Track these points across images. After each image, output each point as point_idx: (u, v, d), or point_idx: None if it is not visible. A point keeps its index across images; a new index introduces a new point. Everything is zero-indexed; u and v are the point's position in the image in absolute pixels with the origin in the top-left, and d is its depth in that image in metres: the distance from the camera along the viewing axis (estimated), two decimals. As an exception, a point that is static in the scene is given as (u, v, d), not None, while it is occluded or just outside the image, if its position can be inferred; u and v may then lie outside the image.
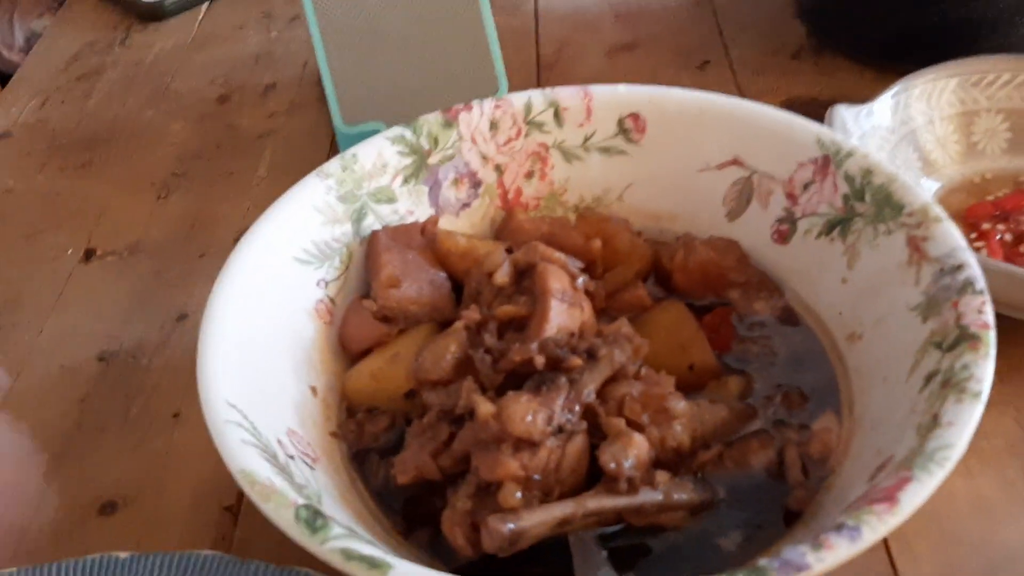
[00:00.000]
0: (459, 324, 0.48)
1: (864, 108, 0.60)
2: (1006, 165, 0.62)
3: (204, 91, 0.80)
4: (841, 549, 0.34)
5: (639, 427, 0.44)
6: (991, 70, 0.63)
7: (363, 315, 0.51)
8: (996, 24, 0.70)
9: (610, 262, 0.54)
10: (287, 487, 0.39)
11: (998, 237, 0.57)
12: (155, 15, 0.89)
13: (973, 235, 0.58)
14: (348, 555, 0.36)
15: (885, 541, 0.47)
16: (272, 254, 0.50)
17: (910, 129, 0.61)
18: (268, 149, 0.73)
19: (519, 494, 0.42)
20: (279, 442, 0.43)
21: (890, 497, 0.36)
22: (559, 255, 0.50)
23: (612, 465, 0.42)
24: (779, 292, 0.53)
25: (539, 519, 0.41)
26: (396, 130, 0.55)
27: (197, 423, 0.54)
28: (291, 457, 0.43)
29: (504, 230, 0.57)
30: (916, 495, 0.36)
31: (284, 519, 0.37)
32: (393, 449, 0.47)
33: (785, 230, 0.54)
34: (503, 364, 0.45)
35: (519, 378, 0.45)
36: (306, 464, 0.44)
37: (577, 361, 0.44)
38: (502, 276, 0.50)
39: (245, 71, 0.82)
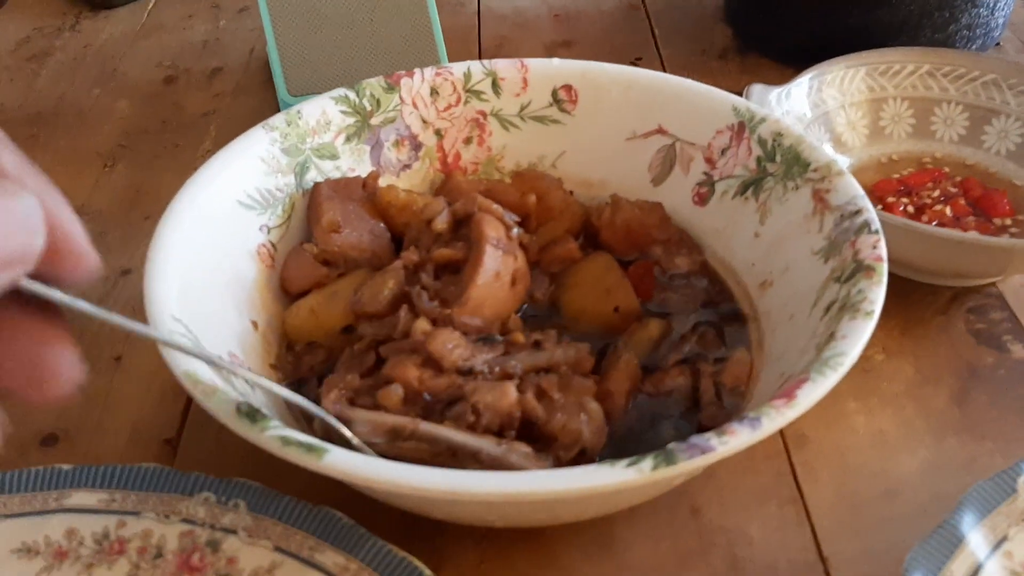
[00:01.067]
0: (398, 263, 0.51)
1: (783, 89, 0.64)
2: (911, 148, 0.67)
3: (151, 73, 0.82)
4: (743, 435, 0.37)
5: (551, 403, 0.45)
6: (897, 61, 0.68)
7: (304, 257, 0.53)
8: (903, 28, 0.76)
9: (543, 218, 0.57)
10: (229, 389, 0.41)
11: (901, 208, 0.62)
12: (105, 4, 0.91)
13: (879, 207, 0.62)
14: (286, 441, 0.38)
15: (792, 469, 0.50)
16: (217, 195, 0.52)
17: (823, 112, 0.66)
18: (213, 126, 0.76)
19: (399, 392, 0.44)
20: (219, 358, 0.45)
21: (788, 394, 0.39)
22: (496, 207, 0.53)
23: (468, 388, 0.44)
24: (698, 249, 0.57)
25: (369, 417, 0.43)
26: (340, 91, 0.58)
27: (138, 366, 0.57)
28: (233, 375, 0.45)
29: (443, 189, 0.59)
30: (811, 393, 0.39)
31: (225, 413, 0.39)
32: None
33: (704, 192, 0.58)
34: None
35: None
36: (246, 383, 0.46)
37: (520, 337, 0.47)
38: (441, 223, 0.52)
39: (192, 56, 0.84)
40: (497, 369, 0.46)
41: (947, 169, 0.65)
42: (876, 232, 0.47)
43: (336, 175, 0.58)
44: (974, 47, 0.78)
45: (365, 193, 0.56)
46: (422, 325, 0.46)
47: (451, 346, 0.45)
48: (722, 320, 0.53)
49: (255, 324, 0.51)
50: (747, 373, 0.49)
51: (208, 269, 0.50)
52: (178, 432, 0.52)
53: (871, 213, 0.49)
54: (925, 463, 0.50)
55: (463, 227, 0.53)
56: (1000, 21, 0.79)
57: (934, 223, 0.61)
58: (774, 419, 0.38)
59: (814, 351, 0.43)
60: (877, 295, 0.44)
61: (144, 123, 0.76)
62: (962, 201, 0.62)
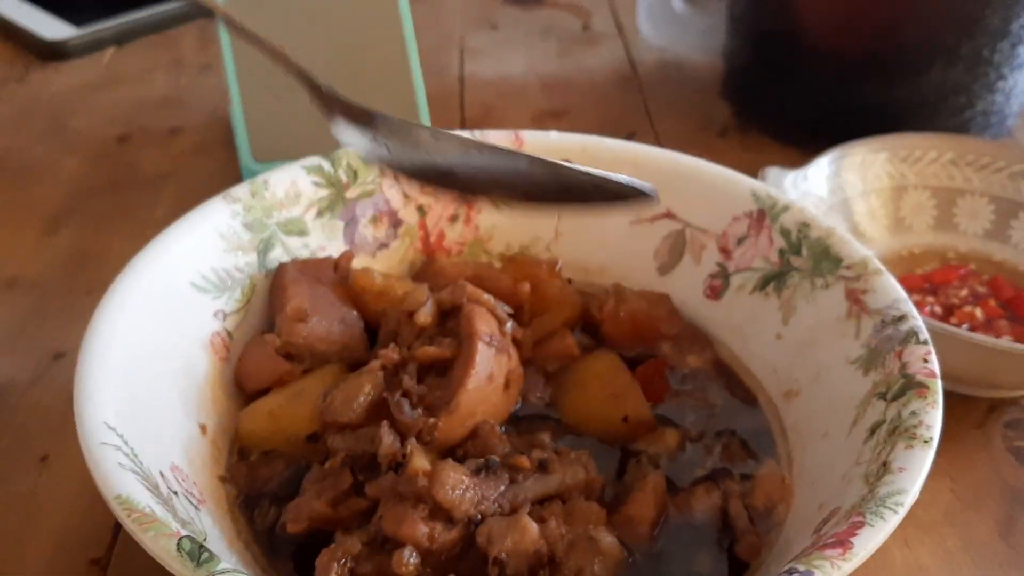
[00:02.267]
0: (375, 363, 0.44)
1: (800, 172, 0.59)
2: (932, 241, 0.62)
3: (104, 130, 0.75)
4: (795, 597, 0.31)
5: (552, 547, 0.38)
6: (918, 147, 0.63)
7: (264, 350, 0.46)
8: (918, 111, 0.71)
9: (538, 309, 0.50)
10: (169, 518, 0.34)
11: (928, 309, 0.56)
12: (57, 54, 0.85)
13: (902, 305, 0.57)
14: (235, 592, 0.30)
15: (824, 612, 0.43)
16: (167, 276, 0.45)
17: (841, 198, 0.61)
18: (169, 189, 0.69)
19: (414, 560, 0.37)
20: (162, 475, 0.38)
21: (843, 542, 0.33)
22: (488, 297, 0.47)
23: (482, 539, 0.38)
24: (710, 345, 0.51)
25: None
26: (313, 159, 0.52)
27: (67, 467, 0.49)
28: (174, 492, 0.38)
29: (425, 273, 0.53)
30: (870, 540, 0.33)
31: (165, 550, 0.32)
32: (288, 496, 0.42)
33: (718, 285, 0.52)
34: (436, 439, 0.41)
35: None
36: (190, 503, 0.38)
37: (526, 463, 0.41)
38: (425, 316, 0.46)
39: (150, 113, 0.78)
40: (507, 505, 0.39)
41: (973, 266, 0.60)
42: (926, 343, 0.42)
43: (304, 254, 0.51)
44: (987, 134, 0.74)
45: (337, 276, 0.50)
46: (420, 464, 0.38)
47: (461, 491, 0.38)
48: (745, 428, 0.47)
49: (203, 428, 0.43)
50: (780, 493, 0.42)
51: (152, 362, 0.42)
52: (108, 549, 0.45)
53: (917, 320, 0.43)
54: (973, 606, 0.44)
55: (449, 320, 0.46)
56: (1014, 109, 0.75)
57: (964, 326, 0.55)
58: (828, 573, 0.32)
59: (862, 483, 0.37)
60: (934, 418, 0.38)
61: (93, 184, 0.69)
62: (993, 302, 0.57)
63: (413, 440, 0.40)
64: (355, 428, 0.42)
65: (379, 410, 0.42)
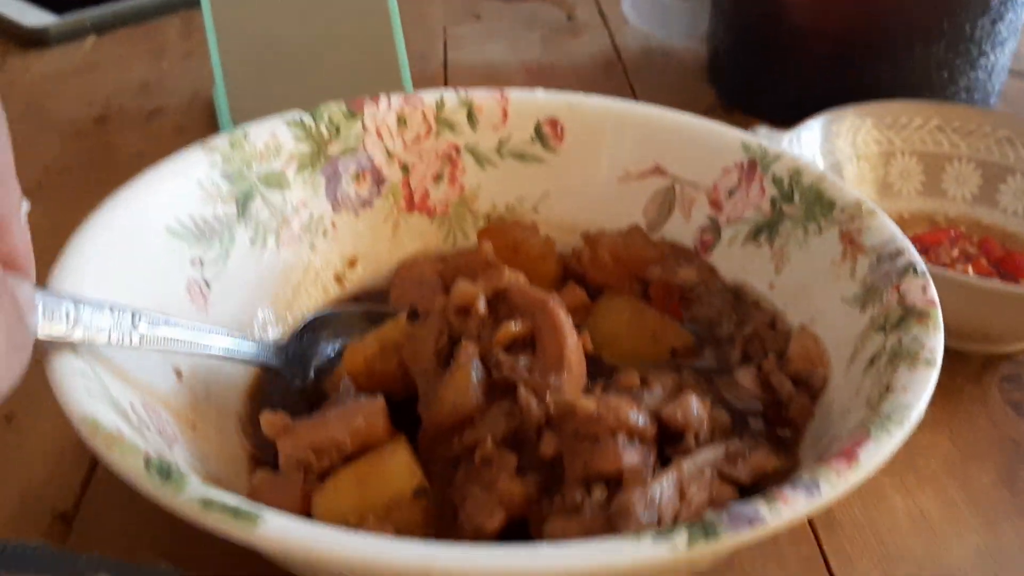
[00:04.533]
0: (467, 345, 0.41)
1: (794, 133, 0.58)
2: (921, 206, 0.61)
3: (82, 111, 0.74)
4: (797, 503, 0.29)
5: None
6: (904, 113, 0.62)
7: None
8: (903, 87, 0.70)
9: (524, 270, 0.49)
10: (136, 438, 0.32)
11: (920, 268, 0.55)
12: (37, 42, 0.83)
13: (894, 266, 0.56)
14: (208, 505, 0.29)
15: (824, 557, 0.42)
16: (142, 217, 0.44)
17: (833, 162, 0.60)
18: (147, 167, 0.67)
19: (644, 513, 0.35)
20: (132, 406, 0.36)
21: (848, 454, 0.31)
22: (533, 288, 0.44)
23: (679, 415, 0.38)
24: (697, 255, 0.50)
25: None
26: (294, 114, 0.51)
27: (34, 428, 0.47)
28: (146, 427, 0.36)
29: (398, 276, 0.51)
30: (875, 453, 0.32)
31: (132, 468, 0.30)
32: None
33: (709, 239, 0.51)
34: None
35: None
36: (162, 439, 0.37)
37: (633, 378, 0.41)
38: (483, 305, 0.42)
39: (129, 96, 0.76)
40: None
41: (963, 228, 0.59)
42: (923, 274, 0.41)
43: (286, 208, 0.50)
44: (972, 112, 0.73)
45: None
46: (587, 403, 0.37)
47: (635, 415, 0.37)
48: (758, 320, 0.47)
49: (179, 373, 0.42)
50: (815, 354, 0.43)
51: (125, 300, 0.41)
52: (75, 504, 0.43)
53: (914, 254, 0.42)
54: (978, 550, 0.42)
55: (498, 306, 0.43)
56: (996, 87, 0.75)
57: (958, 282, 0.54)
58: (835, 484, 0.30)
59: (865, 408, 0.36)
60: (936, 342, 0.37)
61: (68, 162, 0.68)
62: (984, 262, 0.56)
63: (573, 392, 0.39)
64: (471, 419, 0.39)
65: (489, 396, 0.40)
